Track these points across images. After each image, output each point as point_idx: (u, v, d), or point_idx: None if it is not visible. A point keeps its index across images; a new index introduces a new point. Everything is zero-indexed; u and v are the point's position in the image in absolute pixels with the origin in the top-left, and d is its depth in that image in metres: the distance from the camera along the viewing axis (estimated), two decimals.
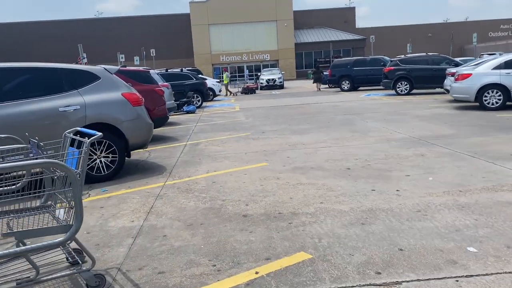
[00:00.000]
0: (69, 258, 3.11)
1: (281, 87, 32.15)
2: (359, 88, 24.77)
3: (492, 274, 2.75)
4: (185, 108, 16.37)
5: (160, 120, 9.39)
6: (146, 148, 6.66)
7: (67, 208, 2.80)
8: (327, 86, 29.51)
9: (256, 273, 2.96)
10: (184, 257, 3.29)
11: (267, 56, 51.22)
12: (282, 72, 34.46)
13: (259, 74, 36.29)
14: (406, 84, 18.46)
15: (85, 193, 5.32)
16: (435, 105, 13.64)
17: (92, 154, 5.80)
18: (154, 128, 9.46)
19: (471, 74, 11.46)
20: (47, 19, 55.32)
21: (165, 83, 12.40)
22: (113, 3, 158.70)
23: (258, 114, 14.22)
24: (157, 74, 12.64)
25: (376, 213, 4.02)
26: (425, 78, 18.04)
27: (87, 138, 2.82)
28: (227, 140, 9.08)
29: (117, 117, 5.95)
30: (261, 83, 32.34)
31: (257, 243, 3.48)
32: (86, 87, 5.83)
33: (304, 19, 54.74)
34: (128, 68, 9.47)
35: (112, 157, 5.94)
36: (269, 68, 36.79)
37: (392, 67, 18.80)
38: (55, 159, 3.01)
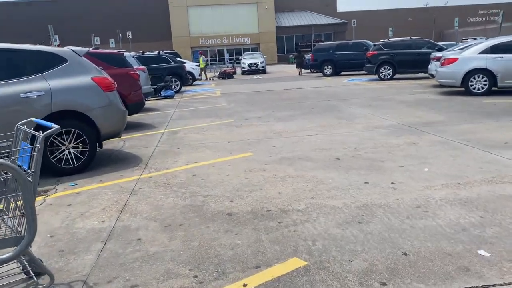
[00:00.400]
0: (24, 274, 2.66)
1: (263, 71, 30.87)
2: (341, 73, 24.48)
3: (511, 283, 2.44)
4: (163, 93, 15.74)
5: (136, 106, 8.83)
6: (120, 137, 6.16)
7: (18, 216, 2.34)
8: (309, 70, 29.16)
9: (244, 285, 2.58)
10: (160, 266, 2.88)
11: (248, 39, 50.39)
12: (264, 56, 33.11)
13: (240, 58, 34.61)
14: (389, 69, 18.23)
15: (51, 188, 4.82)
16: (419, 90, 13.43)
17: (60, 144, 5.27)
18: (130, 114, 8.91)
19: (457, 58, 11.24)
20: None
21: (141, 67, 11.76)
22: None
23: (240, 100, 13.75)
24: (133, 57, 11.98)
25: (373, 210, 3.68)
26: (408, 63, 17.84)
27: (41, 132, 2.35)
28: (209, 127, 8.62)
29: (87, 103, 5.41)
30: (243, 68, 30.88)
31: (244, 247, 3.09)
32: (51, 70, 5.26)
33: (285, 2, 53.93)
34: (100, 50, 8.84)
35: (82, 147, 5.42)
36: (251, 52, 35.47)
37: (375, 52, 18.52)
38: (2, 157, 2.53)
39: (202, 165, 5.56)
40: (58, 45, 21.91)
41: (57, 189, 4.80)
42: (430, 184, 4.31)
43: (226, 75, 27.57)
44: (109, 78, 5.80)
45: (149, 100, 14.75)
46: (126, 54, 11.87)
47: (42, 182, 5.08)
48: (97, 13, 51.58)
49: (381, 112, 9.36)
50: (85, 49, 5.75)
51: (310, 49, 47.95)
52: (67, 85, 5.27)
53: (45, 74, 5.19)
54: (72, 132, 5.31)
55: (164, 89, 16.10)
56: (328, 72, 23.77)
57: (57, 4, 51.85)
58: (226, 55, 50.27)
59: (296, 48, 48.83)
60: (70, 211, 4.05)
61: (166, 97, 15.71)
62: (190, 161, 5.82)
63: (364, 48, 22.72)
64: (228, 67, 32.98)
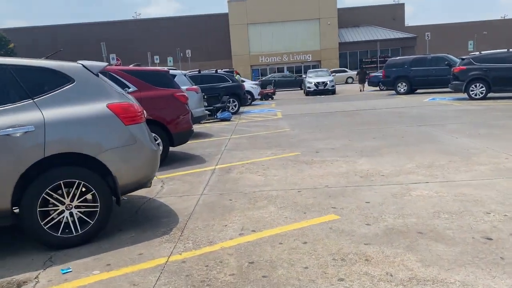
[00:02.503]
0: None
1: (333, 92, 25.55)
2: (416, 91, 21.71)
3: None
4: (219, 115, 14.16)
5: (182, 136, 7.17)
6: (150, 186, 4.39)
7: None
8: (377, 88, 26.60)
9: None
10: None
11: (309, 56, 48.52)
12: (333, 74, 28.18)
13: (304, 76, 28.99)
14: (482, 87, 15.36)
15: (32, 278, 3.10)
16: None
17: (58, 203, 3.58)
18: (175, 146, 7.26)
19: None
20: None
21: (194, 87, 10.22)
22: (154, 7, 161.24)
23: (305, 124, 11.77)
24: (185, 75, 10.48)
25: None
26: (507, 80, 14.88)
27: None
28: (270, 163, 6.71)
29: (98, 142, 3.71)
30: (308, 88, 25.61)
31: None
32: (48, 94, 3.63)
33: (349, 17, 51.59)
34: (139, 67, 7.34)
35: (91, 206, 3.71)
36: (315, 69, 30.64)
37: (464, 67, 15.75)
38: None
39: (263, 238, 3.61)
40: (117, 64, 21.37)
41: (38, 280, 3.07)
42: None
43: (264, 96, 24.51)
44: (136, 105, 4.09)
45: (203, 123, 13.24)
46: (176, 72, 10.41)
47: (27, 259, 3.40)
48: (158, 33, 52.44)
49: (502, 145, 6.93)
50: (103, 63, 4.08)
51: (375, 65, 45.18)
52: (70, 116, 3.60)
53: (38, 100, 3.56)
54: (76, 184, 3.61)
55: (220, 111, 14.54)
56: (402, 89, 21.16)
57: (121, 25, 53.48)
58: (286, 73, 48.70)
59: (360, 64, 46.25)
60: None
61: (222, 120, 14.11)
62: (245, 227, 3.90)
63: (446, 63, 19.90)
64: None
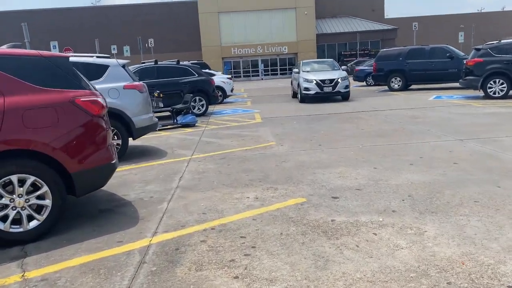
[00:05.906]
0: None
1: (345, 97, 15.50)
2: (411, 87, 19.03)
3: None
4: (180, 119, 10.87)
5: (92, 176, 3.90)
6: None
7: None
8: (364, 83, 23.84)
9: None
10: None
11: (285, 48, 45.42)
12: (343, 67, 17.25)
13: (294, 69, 17.87)
14: (503, 83, 12.70)
15: None
16: None
17: None
18: (80, 195, 3.99)
19: None
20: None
21: (135, 83, 6.89)
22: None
23: (295, 132, 8.68)
24: (124, 66, 7.09)
25: None
26: None
27: None
28: (256, 231, 3.57)
29: None
30: (306, 89, 14.96)
31: None
32: None
33: (326, 7, 48.66)
34: (5, 50, 4.00)
35: None
36: (311, 60, 18.90)
37: (481, 59, 13.04)
38: None
39: None
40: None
41: None
42: None
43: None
44: None
45: (159, 130, 9.91)
46: (109, 61, 7.03)
47: None
48: (120, 21, 48.01)
49: None
50: None
51: (355, 58, 42.67)
52: None
53: None
54: None
55: (182, 113, 11.27)
56: (396, 85, 18.42)
57: (78, 13, 48.74)
58: (261, 66, 45.56)
59: (339, 57, 43.65)
60: None
61: (184, 125, 10.84)
62: None
63: (448, 55, 17.29)
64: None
